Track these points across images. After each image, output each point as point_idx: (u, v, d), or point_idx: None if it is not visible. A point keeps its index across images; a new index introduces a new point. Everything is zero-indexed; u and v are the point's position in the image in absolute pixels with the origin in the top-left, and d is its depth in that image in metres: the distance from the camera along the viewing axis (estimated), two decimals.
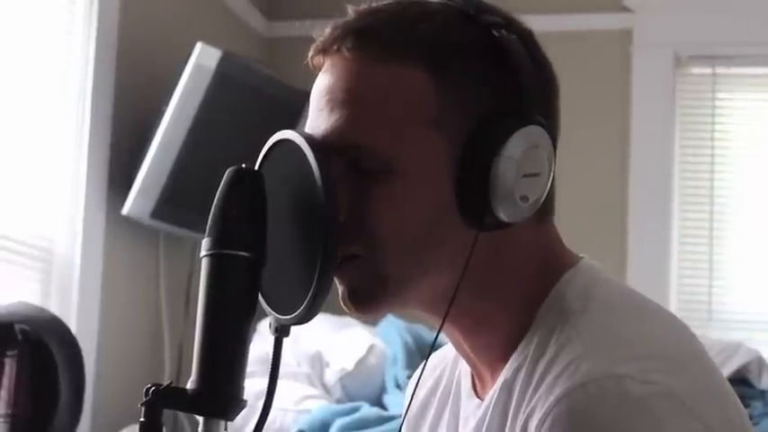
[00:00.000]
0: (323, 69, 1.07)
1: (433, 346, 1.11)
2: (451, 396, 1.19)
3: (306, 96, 1.08)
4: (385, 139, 1.02)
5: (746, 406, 2.93)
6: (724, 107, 3.71)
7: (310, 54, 1.08)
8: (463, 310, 1.07)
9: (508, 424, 1.04)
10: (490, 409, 1.06)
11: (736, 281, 3.61)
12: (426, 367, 1.19)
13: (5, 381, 2.11)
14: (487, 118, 1.02)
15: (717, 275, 3.60)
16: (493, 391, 1.07)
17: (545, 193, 1.05)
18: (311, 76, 1.07)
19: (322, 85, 1.07)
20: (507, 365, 1.06)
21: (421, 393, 1.23)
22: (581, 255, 1.12)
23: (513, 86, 1.03)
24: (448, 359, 1.22)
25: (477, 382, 1.15)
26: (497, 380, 1.07)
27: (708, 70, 3.70)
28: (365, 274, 1.05)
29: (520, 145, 1.01)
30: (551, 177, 1.06)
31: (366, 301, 1.07)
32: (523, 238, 1.07)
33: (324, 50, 1.07)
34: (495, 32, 1.03)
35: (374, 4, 1.08)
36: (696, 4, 3.67)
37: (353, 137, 1.03)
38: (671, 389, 0.96)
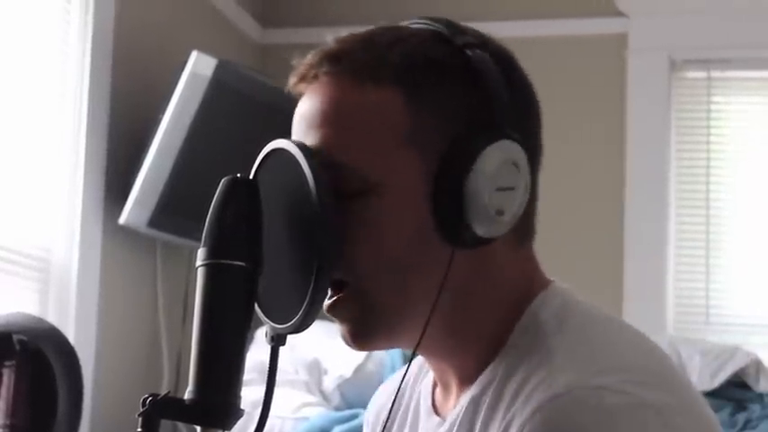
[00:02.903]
0: (303, 97, 1.09)
1: (407, 369, 1.15)
2: (410, 415, 1.19)
3: None
4: (360, 158, 1.03)
5: (744, 409, 2.93)
6: (719, 111, 3.71)
7: (291, 83, 1.09)
8: (443, 333, 1.07)
9: None
10: (455, 427, 1.06)
11: (733, 284, 3.61)
12: (381, 392, 1.26)
13: (3, 391, 2.11)
14: (461, 135, 1.03)
15: (713, 279, 3.60)
16: (459, 409, 1.07)
17: (522, 208, 1.04)
18: None
19: (301, 111, 1.08)
20: (476, 383, 1.06)
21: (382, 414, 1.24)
22: (551, 278, 1.12)
23: (485, 103, 1.04)
24: (408, 381, 1.22)
25: (438, 400, 1.15)
26: (462, 398, 1.07)
27: (703, 74, 3.70)
28: (354, 307, 1.06)
29: (492, 158, 1.01)
30: (528, 193, 1.05)
31: (361, 334, 1.07)
32: (503, 261, 1.08)
33: (302, 78, 1.09)
34: (468, 52, 1.05)
35: (354, 32, 1.09)
36: (691, 7, 3.67)
37: (330, 155, 1.03)
38: (645, 400, 0.96)
